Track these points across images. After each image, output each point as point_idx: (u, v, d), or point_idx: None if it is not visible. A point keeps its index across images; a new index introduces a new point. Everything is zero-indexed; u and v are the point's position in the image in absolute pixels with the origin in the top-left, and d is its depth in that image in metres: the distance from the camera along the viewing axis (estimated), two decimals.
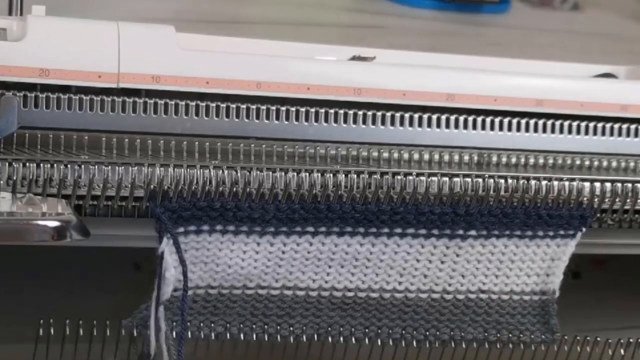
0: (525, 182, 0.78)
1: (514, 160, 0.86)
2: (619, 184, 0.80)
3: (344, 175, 0.74)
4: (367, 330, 0.79)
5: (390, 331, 0.79)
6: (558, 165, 0.87)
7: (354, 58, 0.87)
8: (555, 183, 0.78)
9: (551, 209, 0.79)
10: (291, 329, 0.78)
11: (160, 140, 0.77)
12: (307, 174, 0.73)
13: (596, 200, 0.80)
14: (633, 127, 0.89)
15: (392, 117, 0.83)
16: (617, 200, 0.80)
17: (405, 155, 0.83)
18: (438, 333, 0.80)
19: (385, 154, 0.82)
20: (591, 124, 0.88)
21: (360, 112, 0.82)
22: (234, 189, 0.72)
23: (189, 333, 0.75)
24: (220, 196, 0.72)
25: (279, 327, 0.77)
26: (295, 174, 0.73)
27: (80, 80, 0.75)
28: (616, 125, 0.89)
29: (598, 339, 0.86)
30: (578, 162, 0.87)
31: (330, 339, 0.79)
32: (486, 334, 0.81)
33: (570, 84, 0.89)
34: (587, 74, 0.95)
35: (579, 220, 0.80)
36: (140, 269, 0.87)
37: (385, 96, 0.82)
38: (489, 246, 0.79)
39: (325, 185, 0.74)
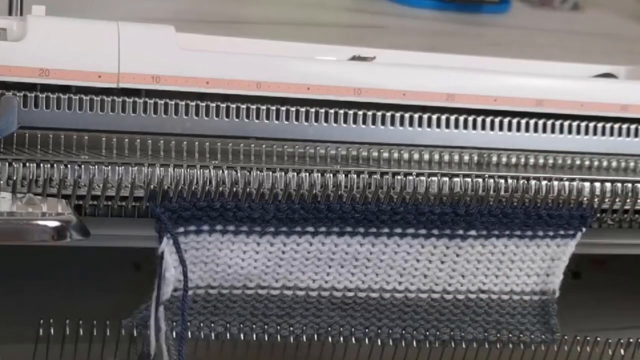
0: (525, 182, 0.78)
1: (514, 160, 0.86)
2: (619, 184, 0.80)
3: (344, 175, 0.74)
4: (367, 330, 0.79)
5: (390, 331, 0.79)
6: (558, 165, 0.87)
7: (354, 58, 0.87)
8: (555, 183, 0.78)
9: (551, 209, 0.79)
10: (291, 329, 0.78)
11: (160, 140, 0.77)
12: (307, 174, 0.73)
13: (596, 200, 0.80)
14: (633, 127, 0.89)
15: (392, 117, 0.83)
16: (617, 200, 0.80)
17: (405, 155, 0.83)
18: (438, 333, 0.80)
19: (385, 154, 0.82)
20: (591, 124, 0.88)
21: (360, 112, 0.82)
22: (234, 189, 0.72)
23: (189, 333, 0.75)
24: (220, 196, 0.72)
25: (279, 327, 0.77)
26: (295, 174, 0.73)
27: (80, 80, 0.75)
28: (616, 125, 0.89)
29: (598, 339, 0.86)
30: (578, 162, 0.87)
31: (330, 339, 0.79)
32: (486, 334, 0.81)
33: (570, 84, 0.89)
34: (587, 74, 0.95)
35: (579, 220, 0.80)
36: (140, 269, 0.87)
37: (385, 96, 0.82)
38: (489, 246, 0.79)
39: (325, 185, 0.74)
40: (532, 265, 0.81)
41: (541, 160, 0.86)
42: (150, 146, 0.77)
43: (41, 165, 0.68)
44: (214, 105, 0.79)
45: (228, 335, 0.77)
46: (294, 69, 0.80)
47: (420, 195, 0.76)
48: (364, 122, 0.83)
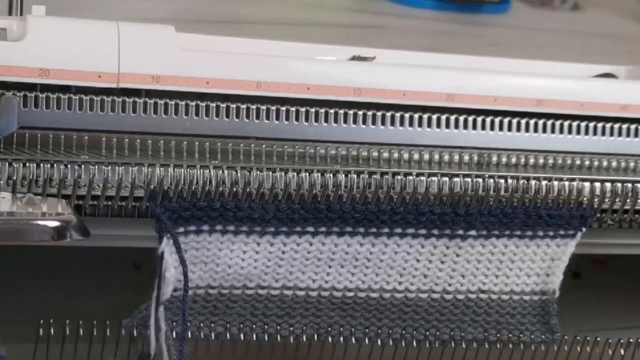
0: (525, 182, 0.78)
1: (514, 160, 0.86)
2: (619, 184, 0.80)
3: (344, 175, 0.74)
4: (367, 330, 0.79)
5: (390, 331, 0.79)
6: (558, 165, 0.87)
7: (354, 58, 0.87)
8: (555, 183, 0.78)
9: (551, 209, 0.79)
10: (291, 329, 0.78)
11: (160, 140, 0.77)
12: (307, 174, 0.73)
13: (596, 200, 0.80)
14: (633, 127, 0.89)
15: (392, 117, 0.83)
16: (617, 200, 0.80)
17: (405, 155, 0.83)
18: (438, 333, 0.80)
19: (385, 154, 0.82)
20: (591, 124, 0.88)
21: (360, 112, 0.82)
22: (234, 189, 0.72)
23: (189, 333, 0.75)
24: (220, 196, 0.72)
25: (279, 327, 0.77)
26: (295, 174, 0.73)
27: (80, 80, 0.75)
28: (616, 125, 0.89)
29: (598, 339, 0.86)
30: (578, 162, 0.87)
31: (330, 339, 0.79)
32: (486, 334, 0.81)
33: (570, 84, 0.89)
34: (587, 74, 0.95)
35: (579, 220, 0.80)
36: (140, 269, 0.87)
37: (385, 96, 0.82)
38: (489, 246, 0.79)
39: (325, 185, 0.74)
40: (532, 265, 0.81)
41: (541, 160, 0.86)
42: (150, 146, 0.77)
43: (41, 165, 0.68)
44: (214, 105, 0.79)
45: (228, 335, 0.77)
46: (294, 69, 0.80)
47: (420, 195, 0.76)
48: (364, 122, 0.83)
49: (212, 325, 0.76)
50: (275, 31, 1.30)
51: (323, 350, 0.80)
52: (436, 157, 0.84)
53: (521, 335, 0.82)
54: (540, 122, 0.87)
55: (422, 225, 0.77)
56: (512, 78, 0.87)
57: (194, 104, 0.78)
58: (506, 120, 0.86)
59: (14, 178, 0.68)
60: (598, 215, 0.81)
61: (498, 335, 0.82)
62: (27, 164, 0.68)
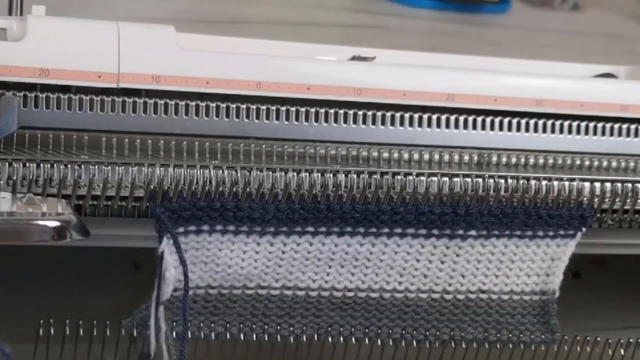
0: (525, 182, 0.78)
1: (514, 160, 0.86)
2: (619, 184, 0.80)
3: (344, 175, 0.74)
4: (367, 330, 0.79)
5: (390, 331, 0.79)
6: (558, 165, 0.87)
7: (354, 58, 0.87)
8: (555, 183, 0.78)
9: (551, 209, 0.79)
10: (291, 329, 0.78)
11: (160, 140, 0.77)
12: (307, 174, 0.73)
13: (596, 200, 0.80)
14: (633, 127, 0.89)
15: (392, 117, 0.83)
16: (617, 200, 0.80)
17: (405, 155, 0.83)
18: (438, 333, 0.80)
19: (385, 154, 0.82)
20: (591, 124, 0.88)
21: (360, 112, 0.82)
22: (234, 189, 0.72)
23: (189, 333, 0.75)
24: (220, 196, 0.72)
25: (279, 327, 0.77)
26: (295, 174, 0.73)
27: (80, 80, 0.75)
28: (616, 125, 0.89)
29: (598, 339, 0.86)
30: (578, 162, 0.87)
31: (330, 339, 0.79)
32: (486, 334, 0.81)
33: (570, 84, 0.89)
34: (587, 74, 0.95)
35: (579, 220, 0.80)
36: (140, 269, 0.87)
37: (385, 96, 0.82)
38: (489, 246, 0.79)
39: (325, 185, 0.74)
40: (532, 265, 0.81)
41: (541, 160, 0.86)
42: (150, 146, 0.77)
43: (41, 165, 0.68)
44: (214, 105, 0.79)
45: (228, 335, 0.77)
46: (294, 69, 0.80)
47: (420, 195, 0.76)
48: (364, 122, 0.83)
49: (212, 325, 0.76)
50: (275, 31, 1.30)
51: (323, 350, 0.80)
52: (436, 157, 0.84)
53: (521, 335, 0.82)
54: (540, 122, 0.87)
55: (422, 225, 0.77)
56: (512, 78, 0.87)
57: (194, 104, 0.78)
58: (506, 120, 0.86)
59: (14, 178, 0.68)
60: (598, 215, 0.81)
61: (498, 335, 0.82)
62: (27, 164, 0.68)
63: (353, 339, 0.79)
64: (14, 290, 0.84)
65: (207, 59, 0.78)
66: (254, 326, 0.77)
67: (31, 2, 0.78)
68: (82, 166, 0.69)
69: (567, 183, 0.79)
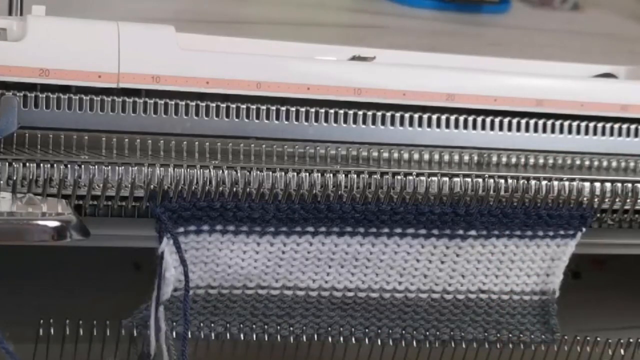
0: (525, 182, 0.78)
1: (514, 160, 0.86)
2: (619, 184, 0.80)
3: (344, 175, 0.74)
4: (367, 330, 0.79)
5: (390, 331, 0.79)
6: (558, 165, 0.87)
7: (354, 58, 0.87)
8: (555, 183, 0.78)
9: (551, 209, 0.79)
10: (291, 329, 0.78)
11: (160, 140, 0.77)
12: (307, 174, 0.73)
13: (596, 200, 0.80)
14: (633, 127, 0.89)
15: (392, 117, 0.83)
16: (617, 200, 0.80)
17: (405, 155, 0.83)
18: (438, 333, 0.80)
19: (385, 154, 0.82)
20: (591, 124, 0.88)
21: (360, 112, 0.82)
22: (234, 189, 0.72)
23: (189, 333, 0.75)
24: (220, 196, 0.72)
25: (279, 327, 0.77)
26: (295, 174, 0.73)
27: (80, 80, 0.75)
28: (616, 125, 0.89)
29: (598, 339, 0.86)
30: (578, 162, 0.87)
31: (330, 339, 0.79)
32: (486, 334, 0.81)
33: (570, 84, 0.89)
34: (587, 74, 0.95)
35: (579, 220, 0.80)
36: (140, 269, 0.87)
37: (385, 96, 0.82)
38: (489, 246, 0.79)
39: (325, 185, 0.74)
40: (532, 265, 0.81)
41: (541, 160, 0.86)
42: (150, 146, 0.77)
43: (41, 165, 0.68)
44: (214, 105, 0.79)
45: (228, 335, 0.77)
46: (294, 69, 0.80)
47: (420, 195, 0.76)
48: (364, 122, 0.83)
49: (212, 325, 0.76)
50: (275, 31, 1.30)
51: (323, 350, 0.80)
52: (436, 157, 0.84)
53: (521, 335, 0.82)
54: (540, 122, 0.87)
55: (422, 225, 0.77)
56: (512, 78, 0.87)
57: (194, 104, 0.78)
58: (506, 120, 0.86)
59: (14, 178, 0.68)
60: (598, 215, 0.81)
61: (498, 335, 0.82)
62: (27, 164, 0.68)
63: (353, 339, 0.79)
64: (14, 290, 0.85)
65: (207, 59, 0.78)
66: (254, 326, 0.77)
67: (31, 2, 0.78)
68: (82, 166, 0.69)
69: (567, 183, 0.79)
